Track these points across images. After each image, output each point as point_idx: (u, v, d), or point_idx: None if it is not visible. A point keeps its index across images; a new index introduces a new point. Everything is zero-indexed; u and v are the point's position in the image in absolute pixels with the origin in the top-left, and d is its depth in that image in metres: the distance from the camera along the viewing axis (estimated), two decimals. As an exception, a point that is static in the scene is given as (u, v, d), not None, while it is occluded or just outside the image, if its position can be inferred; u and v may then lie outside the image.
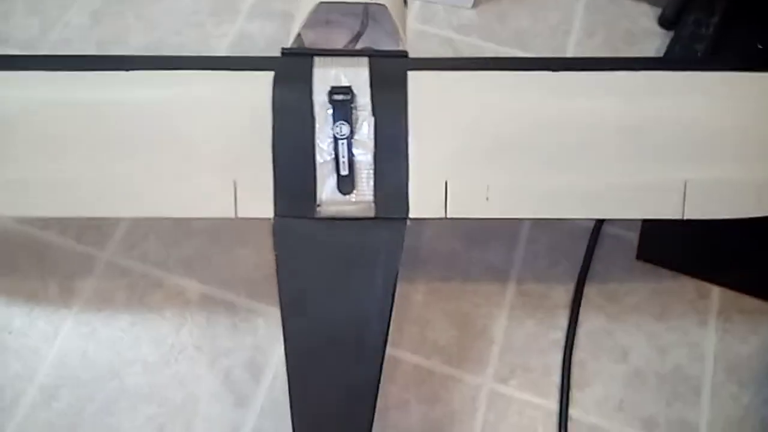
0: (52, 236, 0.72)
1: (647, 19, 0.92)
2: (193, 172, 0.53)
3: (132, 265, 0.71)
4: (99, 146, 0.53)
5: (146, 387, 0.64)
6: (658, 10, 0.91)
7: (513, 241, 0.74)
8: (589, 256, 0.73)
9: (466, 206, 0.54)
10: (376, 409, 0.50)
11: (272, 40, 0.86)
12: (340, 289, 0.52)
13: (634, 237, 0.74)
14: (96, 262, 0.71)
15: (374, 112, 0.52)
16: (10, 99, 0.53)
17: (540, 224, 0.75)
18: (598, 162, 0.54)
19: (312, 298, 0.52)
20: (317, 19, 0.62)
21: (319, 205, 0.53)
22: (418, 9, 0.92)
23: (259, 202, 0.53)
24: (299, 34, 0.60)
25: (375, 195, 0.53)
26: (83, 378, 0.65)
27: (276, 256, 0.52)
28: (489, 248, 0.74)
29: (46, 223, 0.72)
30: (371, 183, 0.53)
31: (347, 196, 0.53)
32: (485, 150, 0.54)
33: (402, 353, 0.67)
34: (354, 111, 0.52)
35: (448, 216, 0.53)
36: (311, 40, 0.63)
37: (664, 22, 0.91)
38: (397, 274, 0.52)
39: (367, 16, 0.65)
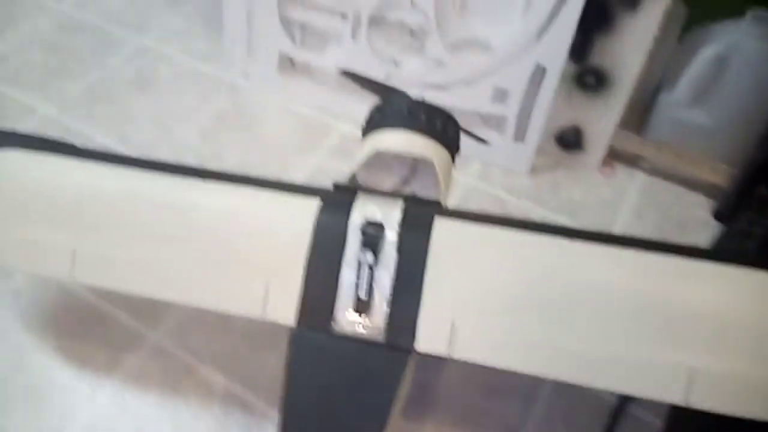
0: (115, 310, 0.81)
1: (702, 210, 0.95)
2: (235, 271, 0.60)
3: (173, 350, 0.78)
4: (167, 238, 0.62)
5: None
6: (714, 203, 0.95)
7: (531, 400, 0.75)
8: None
9: (471, 350, 0.57)
10: None
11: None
12: (338, 405, 0.56)
13: (658, 423, 0.73)
14: (144, 341, 0.79)
15: (399, 249, 0.58)
16: (111, 188, 0.64)
17: (562, 388, 0.75)
18: (606, 332, 0.56)
19: (312, 408, 0.56)
20: (373, 162, 0.71)
21: (334, 322, 0.58)
22: (478, 168, 1.00)
23: (285, 309, 0.59)
24: (354, 174, 0.69)
25: (387, 323, 0.57)
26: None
27: (287, 361, 0.57)
28: (506, 402, 0.75)
29: (113, 299, 0.82)
30: (385, 311, 0.58)
31: (362, 319, 0.58)
32: (495, 301, 0.57)
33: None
34: (382, 244, 0.59)
35: (453, 356, 0.57)
36: (363, 179, 0.71)
37: (719, 216, 0.93)
38: (394, 401, 0.55)
39: (416, 166, 0.74)
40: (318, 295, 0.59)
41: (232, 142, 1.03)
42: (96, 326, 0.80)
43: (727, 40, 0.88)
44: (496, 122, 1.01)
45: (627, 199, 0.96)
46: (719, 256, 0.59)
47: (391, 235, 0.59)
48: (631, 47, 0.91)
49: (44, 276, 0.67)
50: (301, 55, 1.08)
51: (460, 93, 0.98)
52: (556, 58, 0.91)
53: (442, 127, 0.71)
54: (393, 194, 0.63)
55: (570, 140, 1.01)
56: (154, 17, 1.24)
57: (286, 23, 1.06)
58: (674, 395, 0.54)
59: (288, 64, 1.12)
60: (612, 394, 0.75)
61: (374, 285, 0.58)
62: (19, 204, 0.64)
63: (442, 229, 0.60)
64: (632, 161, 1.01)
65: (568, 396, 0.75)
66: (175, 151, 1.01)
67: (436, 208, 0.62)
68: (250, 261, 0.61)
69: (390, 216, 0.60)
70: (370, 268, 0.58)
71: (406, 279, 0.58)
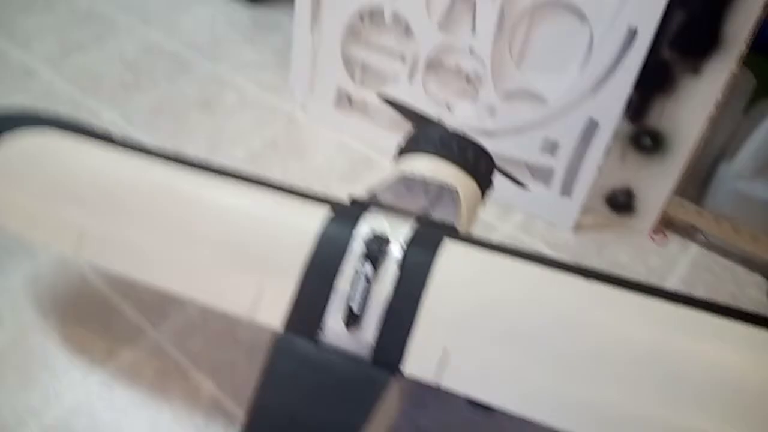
0: (124, 304, 0.81)
1: (756, 289, 0.86)
2: (233, 269, 0.59)
3: (171, 350, 0.76)
4: (172, 228, 0.61)
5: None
6: (773, 287, 0.86)
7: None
8: None
9: (461, 381, 0.52)
10: None
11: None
12: (309, 416, 0.52)
13: None
14: (145, 337, 0.77)
15: (401, 266, 0.55)
16: (128, 174, 0.65)
17: None
18: (608, 382, 0.49)
19: (281, 416, 0.52)
20: (398, 186, 0.69)
21: (322, 331, 0.54)
22: (520, 219, 0.96)
23: (274, 312, 0.56)
24: (375, 192, 0.67)
25: (376, 340, 0.53)
26: (79, 433, 0.68)
27: (265, 363, 0.54)
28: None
29: (125, 292, 0.82)
30: (376, 329, 0.54)
31: (350, 332, 0.54)
32: (495, 333, 0.52)
33: None
34: (384, 258, 0.55)
35: (441, 384, 0.52)
36: (386, 201, 0.69)
37: (778, 301, 0.84)
38: (368, 421, 0.51)
39: (442, 195, 0.71)
40: (309, 302, 0.56)
41: (278, 165, 1.05)
42: (102, 317, 0.79)
43: (796, 111, 0.82)
44: (543, 174, 0.97)
45: (676, 270, 0.89)
46: (755, 320, 0.52)
47: (395, 250, 0.56)
48: (691, 111, 0.86)
49: (54, 248, 0.67)
50: (358, 92, 1.09)
51: (509, 141, 0.96)
52: (610, 114, 0.87)
53: (474, 160, 0.69)
54: (407, 212, 0.60)
55: (620, 202, 0.96)
56: (231, 49, 1.31)
57: (348, 62, 1.08)
58: None
59: (345, 100, 1.14)
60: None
61: (369, 299, 0.54)
62: (44, 178, 0.65)
63: (450, 251, 0.56)
64: (687, 231, 0.94)
65: None
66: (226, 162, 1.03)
67: (449, 231, 0.59)
68: (247, 259, 0.59)
69: (398, 231, 0.57)
70: (368, 281, 0.55)
71: (404, 297, 0.54)
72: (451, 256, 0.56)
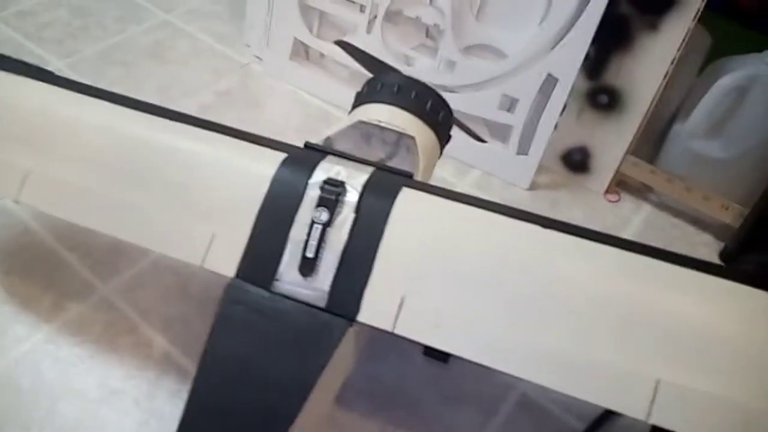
0: (71, 258, 0.78)
1: (708, 249, 0.88)
2: (184, 214, 0.57)
3: (121, 305, 0.74)
4: (120, 171, 0.58)
5: (71, 421, 0.64)
6: (721, 244, 0.88)
7: (491, 413, 0.68)
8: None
9: (415, 328, 0.52)
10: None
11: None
12: (263, 366, 0.51)
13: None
14: (94, 292, 0.75)
15: (357, 211, 0.54)
16: (76, 115, 0.61)
17: (525, 406, 0.69)
18: (564, 326, 0.50)
19: (233, 365, 0.51)
20: (354, 135, 0.68)
21: (277, 280, 0.53)
22: (477, 176, 0.96)
23: (226, 260, 0.55)
24: (331, 139, 0.65)
25: (331, 287, 0.53)
26: (23, 389, 0.65)
27: (217, 313, 0.53)
28: (462, 411, 0.68)
29: (74, 245, 0.79)
30: (331, 276, 0.53)
31: (305, 280, 0.53)
32: (451, 279, 0.52)
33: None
34: (340, 205, 0.54)
35: (395, 331, 0.52)
36: (343, 149, 0.68)
37: (725, 257, 0.87)
38: (321, 370, 0.50)
39: (399, 144, 0.70)
40: (263, 250, 0.55)
41: (232, 118, 1.01)
42: (49, 270, 0.76)
43: (748, 70, 0.83)
44: (501, 132, 0.97)
45: (629, 229, 0.91)
46: (719, 272, 0.53)
47: (351, 196, 0.54)
48: (647, 69, 0.87)
49: None
50: (315, 43, 1.06)
51: (468, 97, 0.95)
52: (569, 70, 0.87)
53: (432, 109, 0.68)
54: (362, 160, 0.59)
55: (576, 160, 0.96)
56: (183, -2, 1.25)
57: (305, 12, 1.05)
58: (635, 408, 0.47)
59: (302, 52, 1.10)
60: (579, 421, 0.68)
61: (324, 246, 0.53)
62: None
63: (408, 198, 0.55)
64: (640, 191, 0.96)
65: (531, 414, 0.68)
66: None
67: (408, 180, 0.58)
68: (199, 205, 0.57)
69: (355, 177, 0.55)
70: (323, 227, 0.54)
71: (360, 244, 0.54)
72: (408, 203, 0.55)
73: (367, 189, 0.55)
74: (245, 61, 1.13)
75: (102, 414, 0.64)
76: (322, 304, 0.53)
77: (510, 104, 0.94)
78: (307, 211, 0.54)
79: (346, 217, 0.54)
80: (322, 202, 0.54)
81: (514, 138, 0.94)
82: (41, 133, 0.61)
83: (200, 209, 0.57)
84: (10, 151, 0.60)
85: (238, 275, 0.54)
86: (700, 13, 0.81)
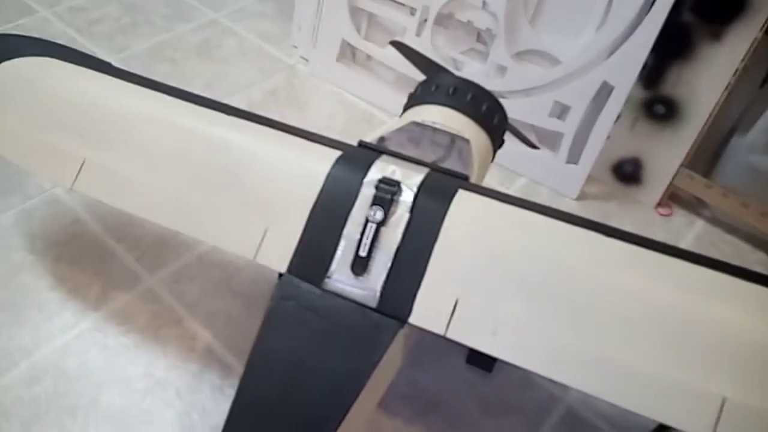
0: (119, 248, 0.78)
1: (763, 267, 0.85)
2: (238, 208, 0.56)
3: (167, 297, 0.74)
4: (178, 163, 0.58)
5: (116, 409, 0.64)
6: (778, 265, 0.85)
7: (533, 426, 0.66)
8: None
9: (469, 333, 0.50)
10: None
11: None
12: (313, 363, 0.50)
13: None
14: (140, 282, 0.75)
15: (412, 211, 0.53)
16: (133, 106, 0.62)
17: (570, 420, 0.67)
18: (625, 337, 0.48)
19: (283, 360, 0.51)
20: (408, 136, 0.67)
21: (329, 277, 0.53)
22: (523, 184, 0.95)
23: (278, 255, 0.54)
24: (383, 137, 0.64)
25: (383, 288, 0.52)
26: (70, 375, 0.66)
27: (268, 308, 0.52)
28: (505, 422, 0.66)
29: (122, 236, 0.79)
30: (384, 275, 0.52)
31: (357, 279, 0.52)
32: (507, 285, 0.51)
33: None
34: (394, 204, 0.53)
35: (447, 335, 0.50)
36: (397, 149, 0.67)
37: (782, 278, 0.83)
38: (372, 371, 0.49)
39: (453, 147, 0.69)
40: (315, 246, 0.54)
41: (277, 117, 0.99)
42: (97, 260, 0.77)
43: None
44: (551, 140, 0.95)
45: (681, 244, 0.88)
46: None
47: (406, 196, 0.54)
48: (708, 80, 0.84)
49: (49, 180, 0.63)
50: (363, 45, 1.06)
51: (518, 103, 0.93)
52: (625, 78, 0.85)
53: (487, 112, 0.67)
54: (420, 162, 0.58)
55: (627, 172, 0.94)
56: (231, -3, 1.27)
57: (354, 13, 1.05)
58: (699, 426, 0.45)
59: (349, 54, 1.10)
60: (628, 438, 0.66)
61: (377, 245, 0.53)
62: (45, 107, 0.62)
63: (464, 200, 0.54)
64: (693, 205, 0.93)
65: (577, 430, 0.66)
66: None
67: (464, 182, 0.57)
68: (254, 199, 0.57)
69: (410, 177, 0.54)
70: (377, 226, 0.53)
71: (414, 245, 0.53)
72: (464, 205, 0.54)
73: (422, 189, 0.54)
74: (291, 62, 1.14)
75: (146, 403, 0.64)
76: (374, 304, 0.52)
77: (561, 111, 0.92)
78: (362, 209, 0.54)
79: (400, 216, 0.53)
80: (376, 201, 0.53)
81: (565, 146, 0.93)
82: (97, 123, 0.61)
83: (254, 203, 0.56)
84: (67, 140, 0.60)
85: (290, 271, 0.54)
86: (767, 24, 0.78)
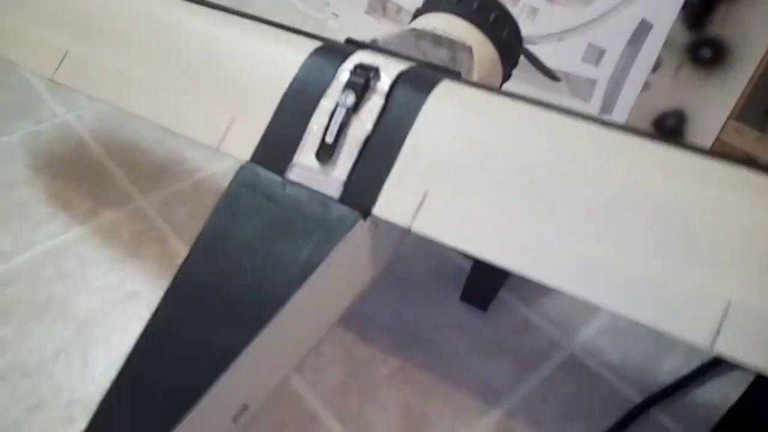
0: (117, 171, 0.77)
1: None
2: (206, 96, 0.53)
3: (155, 218, 0.72)
4: (151, 52, 0.56)
5: (83, 315, 0.61)
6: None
7: (528, 370, 0.59)
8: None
9: (437, 226, 0.45)
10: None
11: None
12: (262, 253, 0.46)
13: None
14: (131, 202, 0.73)
15: (387, 98, 0.48)
16: (123, 4, 0.60)
17: (571, 367, 0.59)
18: (615, 235, 0.41)
19: (229, 246, 0.47)
20: (404, 40, 0.62)
21: (292, 166, 0.48)
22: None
23: (243, 144, 0.50)
24: (375, 40, 0.60)
25: (348, 178, 0.47)
26: (44, 281, 0.64)
27: (223, 193, 0.48)
28: (496, 363, 0.59)
29: (122, 161, 0.78)
30: (350, 165, 0.47)
31: (321, 168, 0.48)
32: (484, 178, 0.45)
33: (326, 413, 0.55)
34: (369, 90, 0.48)
35: (413, 228, 0.45)
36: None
37: None
38: (322, 259, 0.44)
39: (451, 54, 0.63)
40: (281, 134, 0.50)
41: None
42: (92, 179, 0.76)
43: None
44: (583, 89, 0.88)
45: (725, 202, 0.78)
46: None
47: (383, 83, 0.49)
48: (763, 19, 0.75)
49: (32, 70, 0.63)
50: (393, -3, 1.02)
51: (550, 49, 0.86)
52: (666, 14, 0.77)
53: (495, 23, 0.61)
54: (407, 56, 0.53)
55: (670, 126, 0.85)
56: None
57: (386, -37, 1.01)
58: (699, 333, 0.37)
59: (379, 8, 1.07)
60: (637, 390, 0.57)
61: (346, 133, 0.48)
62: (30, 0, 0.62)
63: (448, 89, 0.49)
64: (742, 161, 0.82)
65: (576, 378, 0.58)
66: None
67: (452, 74, 0.51)
68: (225, 87, 0.53)
69: (392, 66, 0.49)
70: (348, 112, 0.48)
71: (385, 134, 0.47)
72: (446, 93, 0.48)
73: (402, 77, 0.49)
74: (322, 17, 1.11)
75: (115, 313, 0.61)
76: (336, 194, 0.47)
77: (596, 55, 0.84)
78: (334, 95, 0.49)
79: (374, 104, 0.48)
80: (349, 85, 0.49)
81: (598, 94, 0.85)
82: (81, 15, 0.60)
83: (225, 91, 0.53)
84: (50, 32, 0.60)
85: (253, 159, 0.50)
86: (831, -53, 0.69)
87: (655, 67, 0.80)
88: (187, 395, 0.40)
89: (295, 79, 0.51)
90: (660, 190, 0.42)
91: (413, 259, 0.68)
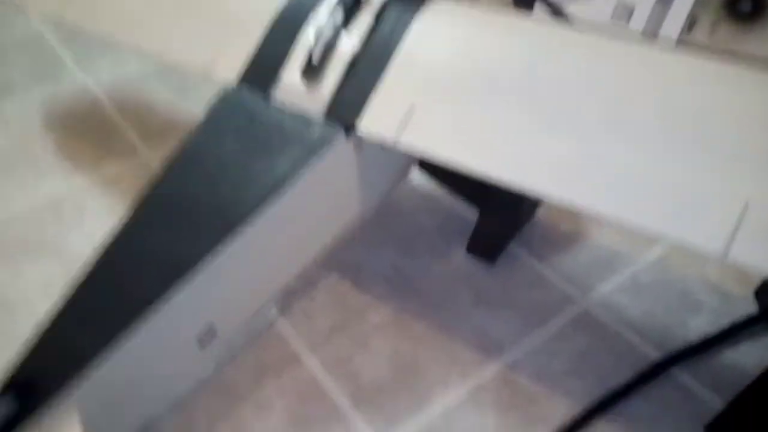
0: (128, 128, 0.76)
1: None
2: (197, 22, 0.52)
3: (157, 168, 0.70)
4: None
5: (77, 254, 0.59)
6: None
7: (536, 324, 0.54)
8: (629, 389, 0.48)
9: (424, 139, 0.42)
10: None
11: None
12: (239, 169, 0.44)
13: (710, 398, 0.48)
14: (137, 157, 0.72)
15: (377, 17, 0.45)
16: None
17: (584, 324, 0.54)
18: (619, 140, 0.37)
19: (205, 162, 0.45)
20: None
21: (278, 85, 0.46)
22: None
23: (232, 67, 0.49)
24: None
25: (333, 95, 0.44)
26: (41, 225, 0.63)
27: (206, 109, 0.46)
28: (500, 316, 0.55)
29: (132, 118, 0.77)
30: (335, 82, 0.45)
31: (307, 87, 0.45)
32: (474, 90, 0.42)
33: (311, 357, 0.51)
34: (359, 8, 0.46)
35: (399, 141, 0.41)
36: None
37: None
38: (294, 177, 0.42)
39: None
40: (269, 55, 0.48)
41: None
42: (102, 135, 0.75)
43: None
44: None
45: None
46: None
47: (377, 3, 0.46)
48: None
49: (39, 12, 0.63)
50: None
51: (579, 10, 0.82)
52: (701, -36, 0.71)
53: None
54: None
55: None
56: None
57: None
58: (712, 239, 0.32)
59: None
60: (655, 348, 0.52)
61: (333, 51, 0.45)
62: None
63: (441, 8, 0.46)
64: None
65: (590, 334, 0.53)
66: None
67: None
68: (218, 13, 0.52)
69: None
70: (335, 30, 0.45)
71: (374, 50, 0.45)
72: (437, 9, 0.45)
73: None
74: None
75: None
76: (321, 110, 0.44)
77: (626, 12, 0.79)
78: (323, 15, 0.47)
79: (363, 22, 0.46)
80: (340, 2, 0.46)
81: (627, 55, 0.80)
82: None
83: (217, 17, 0.52)
84: None
85: (240, 80, 0.48)
86: None
87: (690, 25, 0.74)
88: (141, 302, 0.37)
89: (287, 5, 0.49)
90: (666, 91, 0.38)
91: (418, 212, 0.64)
